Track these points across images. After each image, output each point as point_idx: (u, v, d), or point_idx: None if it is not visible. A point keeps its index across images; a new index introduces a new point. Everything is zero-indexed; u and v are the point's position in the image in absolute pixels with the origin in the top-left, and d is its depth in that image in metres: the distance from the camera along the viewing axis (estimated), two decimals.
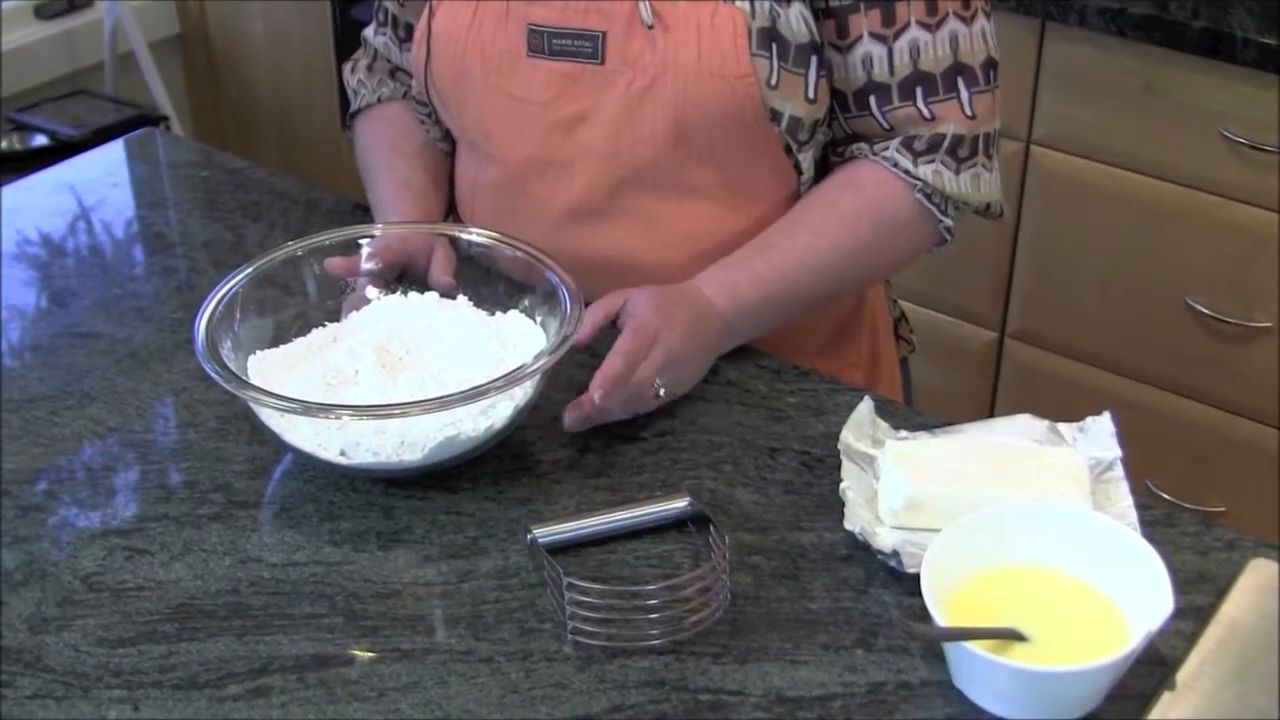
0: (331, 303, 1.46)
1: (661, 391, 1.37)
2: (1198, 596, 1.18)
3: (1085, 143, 2.44)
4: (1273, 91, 2.22)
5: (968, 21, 1.44)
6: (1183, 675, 1.10)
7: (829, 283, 1.49)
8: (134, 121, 3.02)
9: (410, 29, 1.65)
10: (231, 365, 1.31)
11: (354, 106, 1.72)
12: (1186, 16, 2.25)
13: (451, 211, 1.68)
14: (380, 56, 1.71)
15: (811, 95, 1.44)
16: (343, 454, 1.28)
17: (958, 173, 1.47)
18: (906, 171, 1.46)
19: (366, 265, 1.46)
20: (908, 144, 1.47)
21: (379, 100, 1.69)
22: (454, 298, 1.44)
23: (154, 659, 1.15)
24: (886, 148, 1.47)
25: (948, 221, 1.50)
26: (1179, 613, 1.11)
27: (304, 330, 1.43)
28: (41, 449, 1.38)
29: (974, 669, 1.09)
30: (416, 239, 1.48)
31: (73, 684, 1.13)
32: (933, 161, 1.46)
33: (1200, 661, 1.11)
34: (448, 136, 1.66)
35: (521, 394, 1.30)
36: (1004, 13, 2.37)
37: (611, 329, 1.39)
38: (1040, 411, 1.37)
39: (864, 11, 1.42)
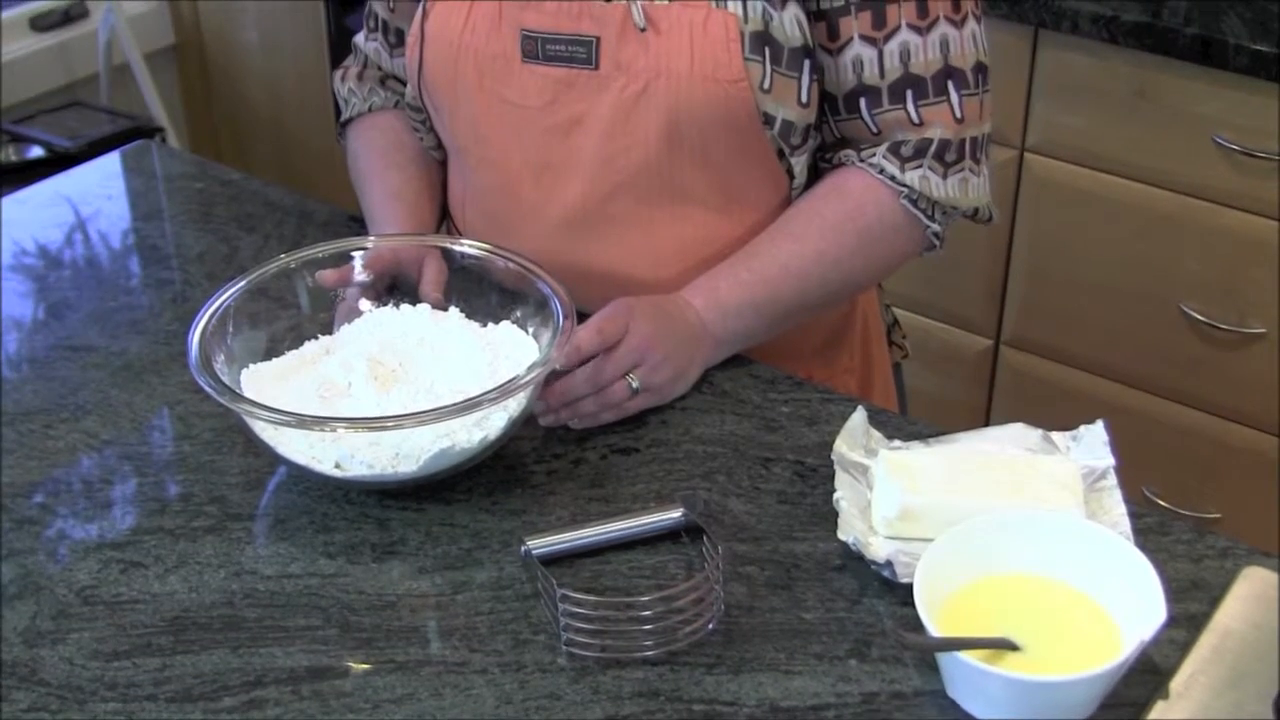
0: (324, 315, 1.46)
1: (634, 384, 1.38)
2: (1191, 605, 1.18)
3: (1078, 149, 2.44)
4: (1265, 98, 2.22)
5: (958, 25, 1.45)
6: (1176, 684, 1.10)
7: (814, 289, 1.49)
8: (129, 133, 3.02)
9: (401, 34, 1.65)
10: (225, 378, 1.31)
11: (345, 115, 1.71)
12: (1179, 23, 2.26)
13: (445, 220, 1.68)
14: (371, 64, 1.71)
15: (804, 99, 1.44)
16: (337, 466, 1.28)
17: (945, 177, 1.47)
18: (893, 178, 1.47)
19: (359, 277, 1.46)
20: (894, 150, 1.47)
21: (370, 109, 1.69)
22: (446, 309, 1.44)
23: (149, 672, 1.15)
24: (873, 154, 1.48)
25: (935, 227, 1.50)
26: (1172, 621, 1.11)
27: (297, 343, 1.43)
28: (36, 462, 1.38)
29: (967, 679, 1.09)
30: (408, 250, 1.48)
31: (68, 697, 1.13)
32: (920, 166, 1.46)
33: (1193, 670, 1.11)
34: (440, 145, 1.66)
35: (515, 405, 1.30)
36: (997, 20, 2.37)
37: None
38: (1036, 417, 1.37)
39: (854, 14, 1.43)
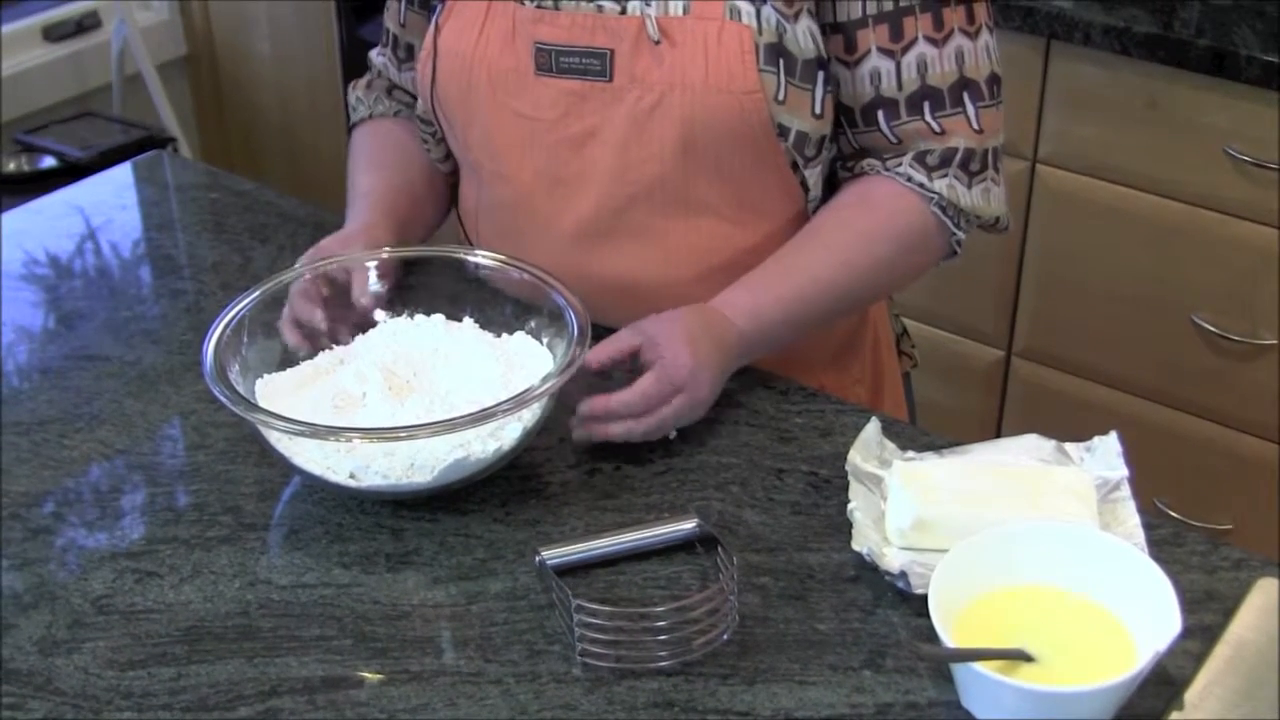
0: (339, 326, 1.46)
1: (673, 435, 1.39)
2: (1205, 616, 1.18)
3: (1090, 161, 2.44)
4: (1276, 109, 2.22)
5: (972, 37, 1.45)
6: (1190, 695, 1.10)
7: (845, 300, 1.50)
8: (141, 143, 3.03)
9: (410, 49, 1.66)
10: (239, 388, 1.31)
11: (351, 121, 1.73)
12: (1190, 35, 2.26)
13: (438, 228, 1.69)
14: (381, 75, 1.73)
15: (818, 110, 1.44)
16: (352, 476, 1.28)
17: (969, 186, 1.48)
18: (921, 185, 1.47)
19: (373, 288, 1.47)
20: (920, 158, 1.47)
21: (371, 116, 1.70)
22: (460, 319, 1.44)
23: (164, 681, 1.15)
24: (900, 163, 1.48)
25: (960, 235, 1.51)
26: (1186, 632, 1.11)
27: (312, 353, 1.43)
28: (50, 471, 1.38)
29: (982, 689, 1.09)
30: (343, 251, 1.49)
31: (83, 706, 1.13)
32: (946, 175, 1.47)
33: (1208, 681, 1.11)
34: (448, 159, 1.66)
35: (530, 416, 1.31)
36: (1009, 31, 2.38)
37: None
38: (1047, 429, 1.37)
39: (872, 27, 1.43)
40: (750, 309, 1.43)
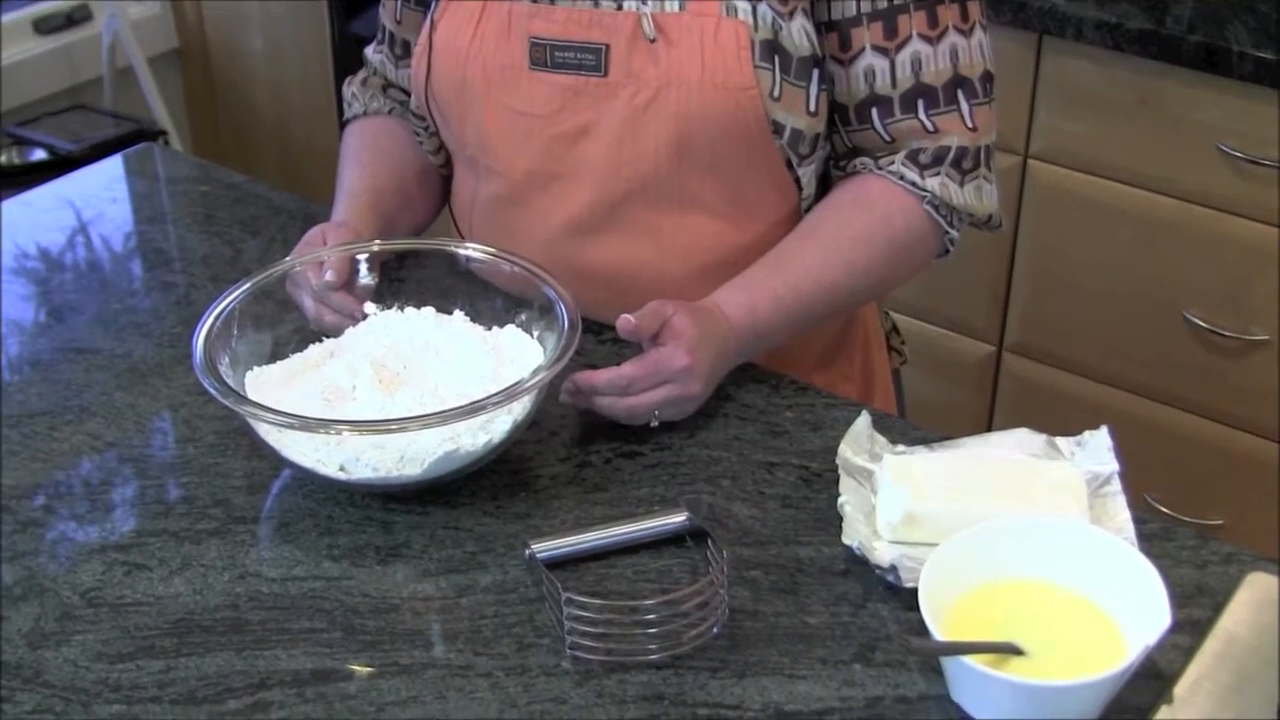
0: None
1: (655, 423, 1.39)
2: (1195, 610, 1.18)
3: (1082, 156, 2.44)
4: (1269, 105, 2.22)
5: (966, 34, 1.45)
6: (1180, 689, 1.10)
7: (841, 300, 1.50)
8: (132, 136, 3.02)
9: (407, 46, 1.66)
10: (230, 381, 1.31)
11: (345, 117, 1.73)
12: (1183, 31, 2.26)
13: (430, 224, 1.68)
14: (377, 73, 1.72)
15: (813, 108, 1.44)
16: (342, 469, 1.28)
17: (962, 185, 1.48)
18: (914, 184, 1.47)
19: (364, 281, 1.47)
20: (913, 157, 1.47)
21: (365, 113, 1.70)
22: (451, 312, 1.44)
23: (153, 674, 1.15)
24: (892, 161, 1.48)
25: (953, 234, 1.51)
26: (1176, 627, 1.11)
27: (301, 346, 1.43)
28: (40, 464, 1.38)
29: (971, 683, 1.09)
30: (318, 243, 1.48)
31: (72, 699, 1.13)
32: (938, 174, 1.47)
33: (1197, 675, 1.11)
34: (440, 151, 1.66)
35: (520, 409, 1.30)
36: (1001, 27, 2.38)
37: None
38: (1038, 425, 1.37)
39: (866, 24, 1.43)
40: (748, 307, 1.43)
